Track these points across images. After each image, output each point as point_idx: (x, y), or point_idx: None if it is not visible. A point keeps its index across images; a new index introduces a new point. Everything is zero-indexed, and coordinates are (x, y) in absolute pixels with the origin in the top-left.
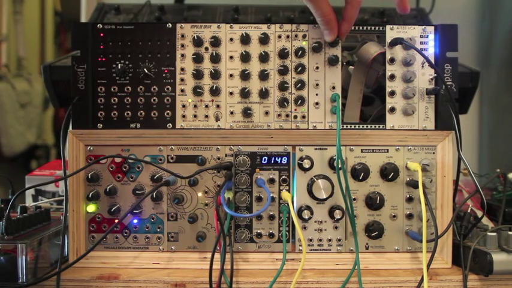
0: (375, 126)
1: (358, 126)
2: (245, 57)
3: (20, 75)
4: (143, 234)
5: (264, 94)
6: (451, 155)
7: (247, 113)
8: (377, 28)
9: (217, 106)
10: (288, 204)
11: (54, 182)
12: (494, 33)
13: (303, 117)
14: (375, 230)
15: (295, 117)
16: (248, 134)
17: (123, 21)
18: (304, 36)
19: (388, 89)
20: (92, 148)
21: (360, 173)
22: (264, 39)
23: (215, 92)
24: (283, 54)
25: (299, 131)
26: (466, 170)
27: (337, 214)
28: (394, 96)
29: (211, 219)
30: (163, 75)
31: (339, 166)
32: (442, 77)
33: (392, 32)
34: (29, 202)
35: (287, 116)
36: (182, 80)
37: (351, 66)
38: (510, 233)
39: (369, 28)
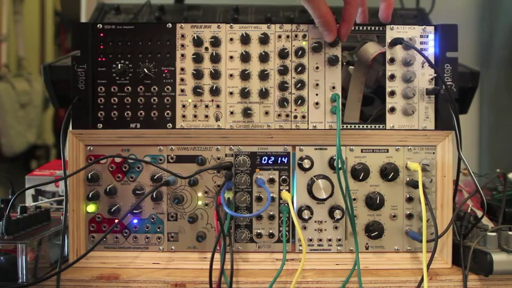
0: (375, 126)
1: (358, 126)
2: (245, 57)
3: (20, 75)
4: (143, 234)
5: (264, 94)
6: (451, 155)
7: (247, 113)
8: (377, 28)
9: (217, 106)
10: (288, 204)
11: (54, 182)
12: (494, 33)
13: (303, 117)
14: (375, 230)
15: (295, 117)
16: (248, 134)
17: (123, 21)
18: (304, 36)
19: (388, 89)
20: (92, 148)
21: (360, 173)
22: (264, 39)
23: (215, 92)
24: (283, 54)
25: (299, 131)
26: (466, 170)
27: (337, 214)
28: (394, 96)
29: (211, 219)
30: (163, 75)
31: (339, 166)
32: (442, 77)
33: (392, 32)
34: (29, 202)
35: (287, 116)
36: (182, 80)
37: (351, 66)
38: (510, 233)
39: (369, 28)
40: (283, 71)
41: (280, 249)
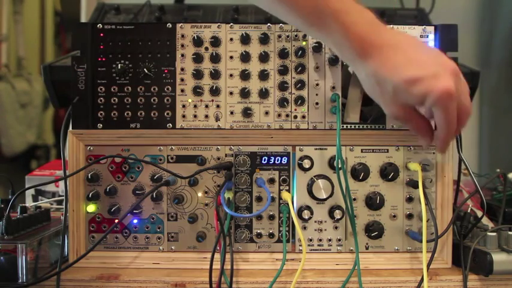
0: (375, 126)
1: (358, 126)
2: (245, 57)
3: (20, 75)
4: (143, 234)
5: (264, 94)
6: (451, 155)
7: (247, 113)
8: None
9: (217, 106)
10: (288, 204)
11: (54, 182)
12: (494, 33)
13: (303, 117)
14: (375, 230)
15: (295, 117)
16: (248, 134)
17: (123, 21)
18: (304, 36)
19: None
20: (92, 148)
21: (360, 173)
22: (264, 39)
23: (215, 92)
24: (283, 54)
25: (299, 131)
26: (466, 170)
27: (337, 214)
28: None
29: (211, 219)
30: (163, 75)
31: (339, 166)
32: None
33: None
34: (29, 202)
35: (287, 116)
36: (182, 80)
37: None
38: (510, 233)
39: None
40: (283, 71)
41: (280, 249)
